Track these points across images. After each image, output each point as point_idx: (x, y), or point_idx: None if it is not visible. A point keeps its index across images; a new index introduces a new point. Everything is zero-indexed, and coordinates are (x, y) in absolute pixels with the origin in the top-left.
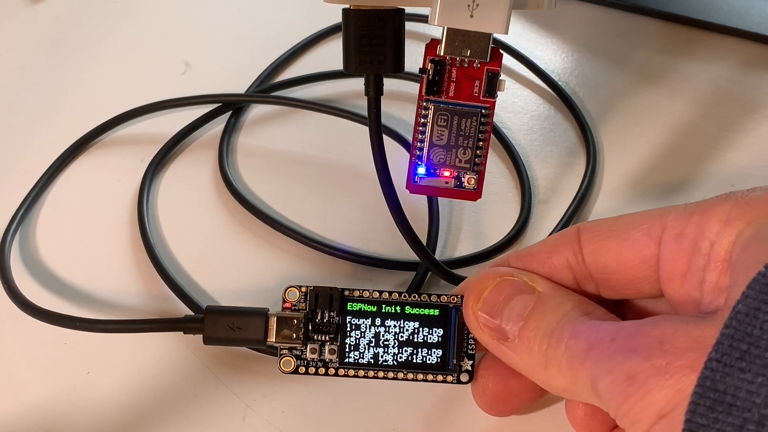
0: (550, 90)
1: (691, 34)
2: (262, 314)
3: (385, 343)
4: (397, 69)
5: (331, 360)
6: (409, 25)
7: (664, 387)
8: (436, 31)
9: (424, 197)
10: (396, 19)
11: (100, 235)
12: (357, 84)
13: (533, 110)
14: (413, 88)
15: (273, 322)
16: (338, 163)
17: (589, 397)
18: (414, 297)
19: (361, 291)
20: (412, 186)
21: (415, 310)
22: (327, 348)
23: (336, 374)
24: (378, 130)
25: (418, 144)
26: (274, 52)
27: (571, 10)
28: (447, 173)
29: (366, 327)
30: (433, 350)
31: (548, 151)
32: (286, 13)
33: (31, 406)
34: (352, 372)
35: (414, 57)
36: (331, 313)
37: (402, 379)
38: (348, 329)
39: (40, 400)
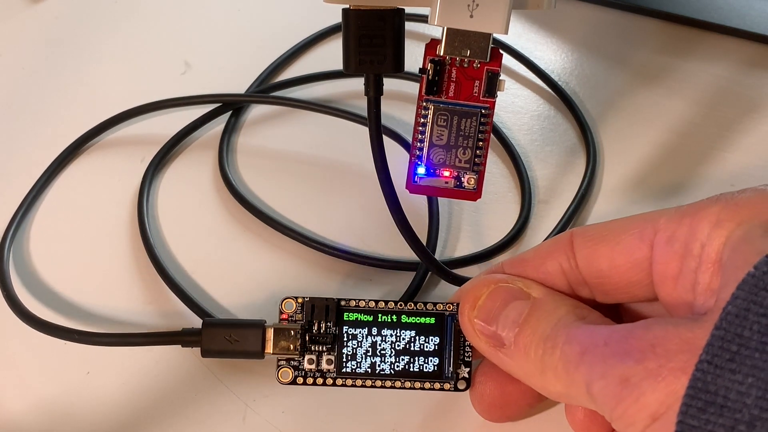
0: (550, 90)
1: (691, 34)
2: (259, 326)
3: (382, 352)
4: (397, 69)
5: (328, 370)
6: (409, 25)
7: (657, 389)
8: (436, 31)
9: (424, 197)
10: (396, 19)
11: (100, 236)
12: (357, 84)
13: (533, 110)
14: (413, 88)
15: (270, 334)
16: (338, 163)
17: (585, 401)
18: (410, 306)
19: (357, 301)
20: (412, 186)
21: (411, 319)
22: (324, 358)
23: (334, 384)
24: (378, 130)
25: (418, 144)
26: (274, 52)
27: (571, 10)
28: (447, 173)
29: (363, 336)
30: (430, 358)
31: (548, 151)
32: (286, 13)
33: (31, 406)
34: (349, 382)
35: (414, 57)
36: (328, 324)
37: (399, 388)
38: (345, 339)
39: (40, 400)
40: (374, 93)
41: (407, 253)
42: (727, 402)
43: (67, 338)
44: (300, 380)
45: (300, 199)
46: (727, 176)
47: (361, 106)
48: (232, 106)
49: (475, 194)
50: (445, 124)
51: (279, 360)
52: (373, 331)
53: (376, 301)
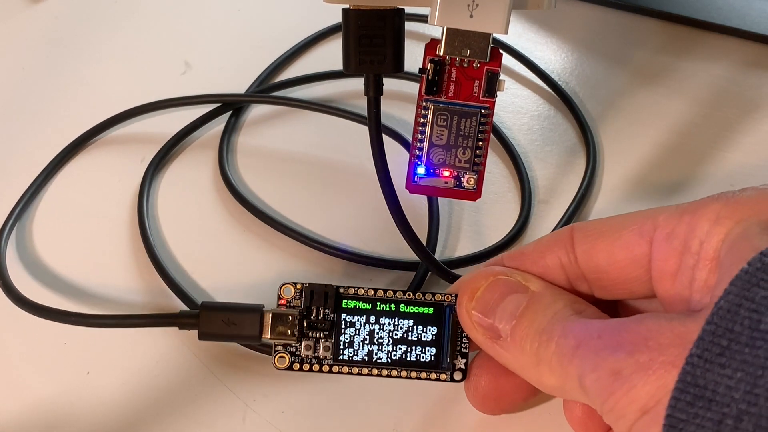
0: (550, 90)
1: (691, 34)
2: (258, 310)
3: (380, 340)
4: (396, 69)
5: (325, 357)
6: (409, 25)
7: (648, 382)
8: (435, 31)
9: (424, 197)
10: (396, 19)
11: (99, 235)
12: (357, 84)
13: (533, 110)
14: (413, 88)
15: (268, 319)
16: (338, 163)
17: (578, 394)
18: (408, 295)
19: (356, 288)
20: (412, 186)
21: (409, 308)
22: (321, 345)
23: (330, 371)
24: (378, 130)
25: (418, 144)
26: (274, 52)
27: (571, 10)
28: (447, 173)
29: (360, 324)
30: (427, 348)
31: (548, 151)
32: (286, 13)
33: (32, 406)
34: (346, 369)
35: (414, 57)
36: (326, 311)
37: (396, 377)
38: (343, 326)
39: (40, 400)
40: (374, 93)
41: (407, 253)
42: (715, 396)
43: (64, 321)
44: (296, 366)
45: (300, 199)
46: (727, 176)
47: (361, 106)
48: (232, 106)
49: (475, 194)
50: (444, 124)
51: (276, 346)
52: (371, 319)
53: (375, 290)
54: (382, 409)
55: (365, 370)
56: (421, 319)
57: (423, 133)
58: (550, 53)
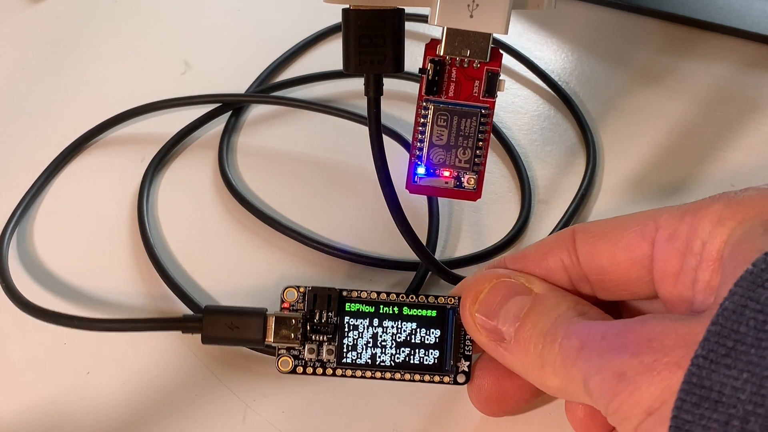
0: (550, 90)
1: (691, 34)
2: (261, 314)
3: (383, 343)
4: (397, 69)
5: (328, 360)
6: (409, 25)
7: (652, 384)
8: (436, 31)
9: (424, 197)
10: (396, 19)
11: (99, 235)
12: (357, 84)
13: (533, 110)
14: (413, 88)
15: (271, 322)
16: (338, 163)
17: (582, 396)
18: (412, 298)
19: (359, 292)
20: (412, 186)
21: (412, 311)
22: (325, 348)
23: (333, 374)
24: (378, 130)
25: (418, 144)
26: (274, 52)
27: (571, 10)
28: (447, 173)
29: (364, 327)
30: (431, 351)
31: (548, 151)
32: (286, 13)
33: (31, 406)
34: (349, 372)
35: (414, 57)
36: (329, 314)
37: (399, 380)
38: (346, 330)
39: (40, 400)
40: (374, 93)
41: (407, 253)
42: (721, 397)
43: (67, 325)
44: (300, 369)
45: (300, 199)
46: (727, 176)
47: (361, 106)
48: (232, 106)
49: (475, 194)
50: (445, 124)
51: (279, 349)
52: (374, 322)
53: (378, 293)
54: (382, 409)
55: (368, 373)
56: (424, 322)
57: (423, 133)
58: (550, 53)
